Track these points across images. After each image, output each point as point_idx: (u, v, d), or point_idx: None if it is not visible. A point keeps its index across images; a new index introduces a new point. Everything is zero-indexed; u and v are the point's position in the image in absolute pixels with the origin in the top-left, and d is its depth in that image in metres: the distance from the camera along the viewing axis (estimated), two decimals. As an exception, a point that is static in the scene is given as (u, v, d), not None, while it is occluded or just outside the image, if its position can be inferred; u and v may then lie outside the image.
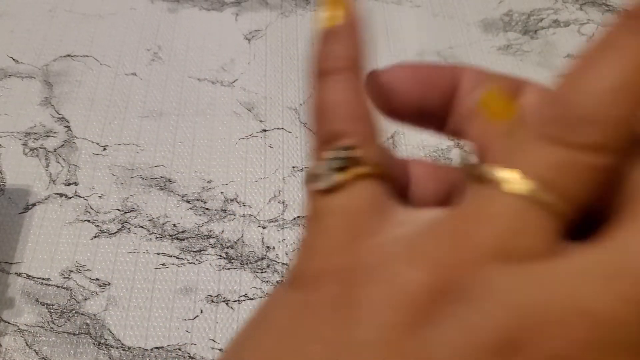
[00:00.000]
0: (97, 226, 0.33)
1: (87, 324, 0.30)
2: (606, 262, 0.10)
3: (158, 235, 0.33)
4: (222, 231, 0.33)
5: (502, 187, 0.10)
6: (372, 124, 0.13)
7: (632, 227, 0.10)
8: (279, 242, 0.33)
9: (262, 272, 0.32)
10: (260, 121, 0.38)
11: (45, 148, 0.36)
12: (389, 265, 0.10)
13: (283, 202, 0.34)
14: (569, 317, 0.09)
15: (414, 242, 0.11)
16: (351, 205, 0.12)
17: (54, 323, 0.30)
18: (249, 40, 0.42)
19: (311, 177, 0.13)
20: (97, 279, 0.31)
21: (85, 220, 0.33)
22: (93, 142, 0.36)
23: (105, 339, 0.30)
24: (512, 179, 0.10)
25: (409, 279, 0.10)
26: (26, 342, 0.30)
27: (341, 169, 0.12)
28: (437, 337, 0.09)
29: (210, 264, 0.32)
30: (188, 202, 0.34)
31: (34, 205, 0.34)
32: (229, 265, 0.32)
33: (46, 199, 0.34)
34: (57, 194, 0.34)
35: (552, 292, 0.10)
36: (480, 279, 0.10)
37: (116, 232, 0.33)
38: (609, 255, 0.10)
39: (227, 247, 0.33)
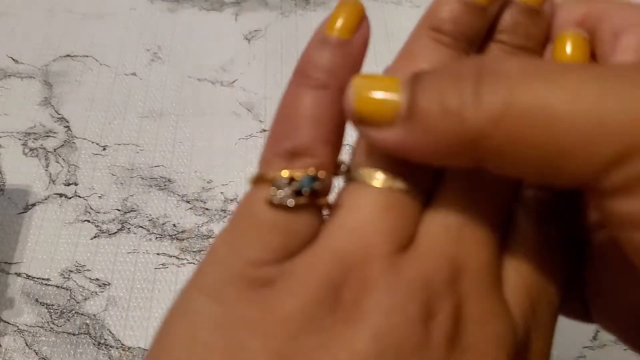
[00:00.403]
0: (97, 226, 0.33)
1: (87, 324, 0.30)
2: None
3: (158, 236, 0.33)
4: (222, 231, 0.33)
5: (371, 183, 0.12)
6: (338, 151, 0.13)
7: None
8: (279, 242, 0.33)
9: (262, 273, 0.32)
10: (260, 121, 0.38)
11: (45, 148, 0.36)
12: (318, 269, 0.11)
13: (283, 203, 0.33)
14: None
15: (329, 246, 0.12)
16: (293, 227, 0.12)
17: (53, 323, 0.30)
18: (248, 40, 0.42)
19: (263, 182, 0.13)
20: (97, 279, 0.31)
21: (85, 221, 0.33)
22: (93, 142, 0.36)
23: (105, 339, 0.30)
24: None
25: (334, 279, 0.11)
26: (26, 342, 0.30)
27: (300, 193, 0.12)
28: (366, 325, 0.11)
29: (210, 264, 0.32)
30: (188, 202, 0.34)
31: (33, 205, 0.34)
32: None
33: (46, 199, 0.34)
34: (57, 194, 0.34)
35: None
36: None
37: (116, 232, 0.33)
38: None
39: (227, 248, 0.33)
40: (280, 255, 0.12)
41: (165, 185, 0.35)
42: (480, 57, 0.11)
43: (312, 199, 0.12)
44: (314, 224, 0.12)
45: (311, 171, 0.12)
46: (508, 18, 0.14)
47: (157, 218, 0.33)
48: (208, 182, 0.35)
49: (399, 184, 0.12)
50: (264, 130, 0.37)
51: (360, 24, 0.14)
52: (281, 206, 0.12)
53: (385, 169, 0.12)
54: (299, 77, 0.14)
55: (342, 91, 0.13)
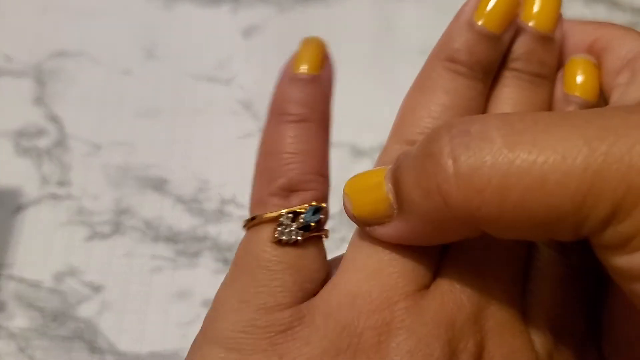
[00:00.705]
0: (91, 228, 0.33)
1: (81, 328, 0.30)
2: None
3: (153, 237, 0.33)
4: (219, 233, 0.33)
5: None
6: (328, 180, 0.14)
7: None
8: (277, 244, 0.32)
9: (259, 275, 0.32)
10: (258, 120, 0.38)
11: (37, 148, 0.36)
12: (337, 314, 0.12)
13: (281, 203, 0.33)
14: None
15: (347, 290, 0.12)
16: (303, 263, 0.12)
17: (47, 327, 0.30)
18: (246, 37, 0.42)
19: (262, 224, 0.13)
20: (91, 282, 0.31)
21: (78, 222, 0.33)
22: (86, 142, 0.36)
23: (99, 344, 0.29)
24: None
25: (358, 325, 0.11)
26: (19, 346, 0.29)
27: (307, 227, 0.12)
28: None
29: (206, 267, 0.32)
30: (184, 203, 0.34)
31: (26, 206, 0.33)
32: (225, 269, 0.32)
33: (38, 200, 0.34)
34: (50, 194, 0.34)
35: None
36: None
37: (110, 234, 0.33)
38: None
39: (224, 250, 0.33)
40: (295, 295, 0.12)
41: (160, 185, 0.35)
42: (454, 123, 0.11)
43: (318, 232, 0.13)
44: (320, 256, 0.13)
45: (313, 203, 0.13)
46: (522, 46, 0.14)
47: (152, 219, 0.33)
48: (204, 182, 0.35)
49: None
50: (262, 129, 0.37)
51: (325, 59, 0.15)
52: (288, 244, 0.12)
53: None
54: (278, 115, 0.14)
55: (322, 123, 0.13)
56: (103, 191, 0.34)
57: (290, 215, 0.12)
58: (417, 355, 0.11)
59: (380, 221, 0.12)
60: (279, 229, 0.12)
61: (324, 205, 0.13)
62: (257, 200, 0.13)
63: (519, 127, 0.10)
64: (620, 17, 0.41)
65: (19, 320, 0.30)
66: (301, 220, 0.12)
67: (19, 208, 0.33)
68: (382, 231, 0.12)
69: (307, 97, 0.14)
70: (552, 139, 0.10)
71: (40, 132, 0.36)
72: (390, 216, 0.12)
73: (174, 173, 0.35)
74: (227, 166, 0.35)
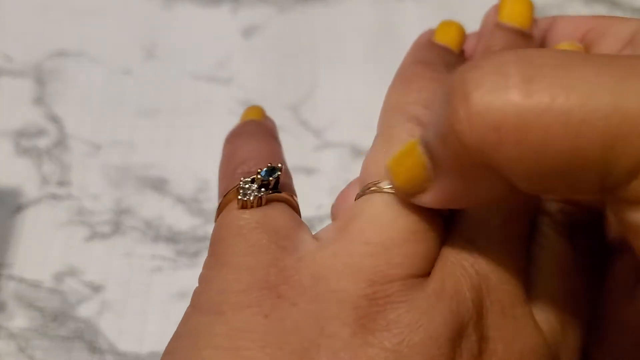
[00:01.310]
0: (91, 228, 0.33)
1: (81, 328, 0.30)
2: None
3: (153, 237, 0.33)
4: (219, 233, 0.33)
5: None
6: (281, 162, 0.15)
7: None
8: (277, 244, 0.32)
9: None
10: None
11: (37, 148, 0.36)
12: (331, 280, 0.11)
13: (281, 203, 0.33)
14: None
15: (348, 260, 0.12)
16: (275, 222, 0.12)
17: (47, 327, 0.30)
18: (246, 37, 0.41)
19: (230, 196, 0.13)
20: (91, 282, 0.31)
21: (78, 222, 0.33)
22: (86, 142, 0.36)
23: (99, 344, 0.29)
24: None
25: (353, 293, 0.11)
26: (19, 346, 0.29)
27: (267, 185, 0.13)
28: (386, 339, 0.10)
29: (206, 267, 0.32)
30: (184, 202, 0.34)
31: (26, 206, 0.33)
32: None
33: (38, 199, 0.34)
34: (50, 194, 0.34)
35: None
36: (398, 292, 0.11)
37: (110, 233, 0.33)
38: None
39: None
40: (273, 253, 0.12)
41: (160, 185, 0.35)
42: (467, 63, 0.11)
43: (280, 190, 0.13)
44: (292, 214, 0.13)
45: (268, 166, 0.13)
46: (501, 42, 0.15)
47: (152, 219, 0.33)
48: (204, 182, 0.35)
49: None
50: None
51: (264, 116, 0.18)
52: (253, 205, 0.13)
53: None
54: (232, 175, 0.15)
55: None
56: (103, 191, 0.34)
57: (248, 179, 0.13)
58: (419, 330, 0.10)
59: (421, 188, 0.11)
60: (241, 192, 0.13)
61: (279, 165, 0.14)
62: (220, 192, 0.14)
63: (538, 62, 0.09)
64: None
65: (19, 320, 0.30)
66: (259, 178, 0.13)
67: (18, 208, 0.33)
68: (425, 199, 0.12)
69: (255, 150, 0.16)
70: (575, 76, 0.09)
71: (40, 132, 0.36)
72: (430, 180, 0.11)
73: (174, 173, 0.35)
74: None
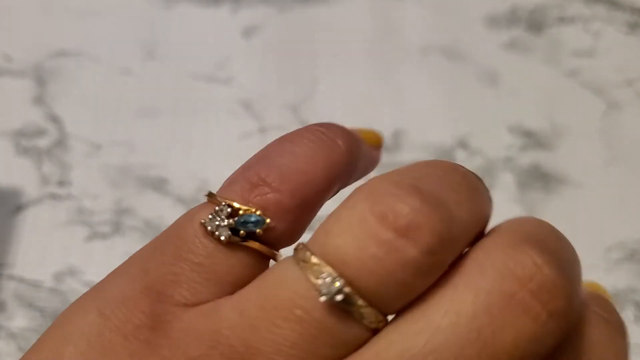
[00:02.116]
0: (91, 227, 0.33)
1: None
2: None
3: (153, 237, 0.33)
4: (219, 233, 0.33)
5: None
6: (306, 214, 0.12)
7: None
8: (277, 244, 0.32)
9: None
10: (258, 120, 0.38)
11: (37, 147, 0.36)
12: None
13: (281, 203, 0.33)
14: None
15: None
16: (219, 267, 0.11)
17: (47, 327, 0.30)
18: (246, 37, 0.41)
19: (209, 202, 0.12)
20: (91, 282, 0.31)
21: (78, 222, 0.33)
22: (86, 142, 0.36)
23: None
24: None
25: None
26: (19, 346, 0.29)
27: (234, 230, 0.11)
28: None
29: (206, 267, 0.32)
30: (184, 202, 0.34)
31: (26, 206, 0.33)
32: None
33: (39, 199, 0.34)
34: (50, 194, 0.34)
35: None
36: None
37: (110, 233, 0.33)
38: None
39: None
40: (191, 294, 0.11)
41: (160, 185, 0.34)
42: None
43: (250, 242, 0.11)
44: (246, 270, 0.11)
45: (259, 212, 0.11)
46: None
47: (152, 219, 0.33)
48: (204, 182, 0.35)
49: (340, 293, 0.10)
50: (262, 129, 0.37)
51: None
52: (212, 236, 0.11)
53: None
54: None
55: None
56: (103, 191, 0.34)
57: (229, 209, 0.11)
58: None
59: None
60: (210, 215, 0.11)
61: (268, 221, 0.11)
62: (228, 180, 0.13)
63: None
64: (620, 17, 0.41)
65: (19, 320, 0.30)
66: (232, 221, 0.11)
67: (19, 208, 0.33)
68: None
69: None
70: None
71: (40, 132, 0.36)
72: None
73: (174, 173, 0.35)
74: (227, 166, 0.35)
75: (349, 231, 0.10)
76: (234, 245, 0.11)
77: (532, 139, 0.36)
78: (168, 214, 0.33)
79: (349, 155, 0.12)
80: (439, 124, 0.36)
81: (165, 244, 0.12)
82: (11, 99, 0.38)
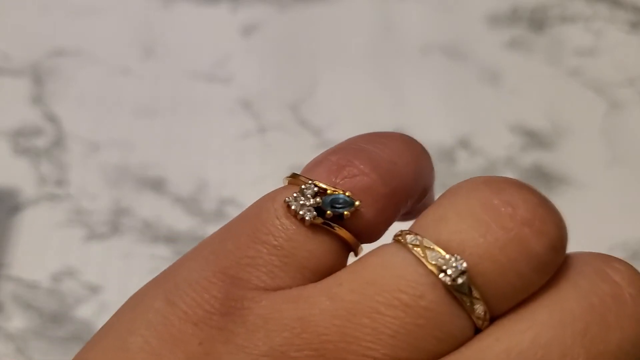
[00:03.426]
0: (89, 228, 0.33)
1: (79, 329, 0.30)
2: None
3: (151, 238, 0.33)
4: (218, 233, 0.33)
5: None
6: (403, 200, 0.11)
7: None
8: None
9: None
10: (257, 119, 0.38)
11: (35, 147, 0.36)
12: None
13: (281, 203, 0.33)
14: None
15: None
16: (301, 250, 0.10)
17: (45, 328, 0.30)
18: (245, 35, 0.41)
19: (292, 183, 0.11)
20: (89, 283, 0.31)
21: (76, 222, 0.33)
22: (85, 141, 0.36)
23: (98, 345, 0.29)
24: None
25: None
26: (17, 347, 0.29)
27: (320, 211, 0.10)
28: None
29: (205, 268, 0.32)
30: (182, 202, 0.34)
31: (23, 206, 0.33)
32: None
33: (36, 199, 0.34)
34: (48, 194, 0.34)
35: None
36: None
37: (108, 234, 0.33)
38: None
39: (223, 250, 0.33)
40: (268, 279, 0.10)
41: (159, 185, 0.34)
42: None
43: (335, 226, 0.10)
44: (327, 255, 0.10)
45: (348, 193, 0.10)
46: None
47: (150, 219, 0.33)
48: (203, 182, 0.35)
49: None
50: (262, 129, 0.37)
51: None
52: (296, 217, 0.10)
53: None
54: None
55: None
56: (101, 191, 0.34)
57: (315, 188, 0.10)
58: None
59: None
60: (295, 194, 0.10)
61: (357, 203, 0.10)
62: (311, 163, 0.11)
63: None
64: (622, 16, 0.41)
65: (17, 321, 0.30)
66: (319, 200, 0.10)
67: (16, 208, 0.33)
68: None
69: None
70: None
71: (38, 132, 0.36)
72: None
73: (172, 173, 0.35)
74: (226, 166, 0.35)
75: (471, 215, 0.09)
76: (317, 229, 0.10)
77: (534, 138, 0.36)
78: (167, 214, 0.33)
79: (431, 166, 0.12)
80: (439, 123, 0.36)
81: (241, 226, 0.11)
82: (8, 98, 0.38)
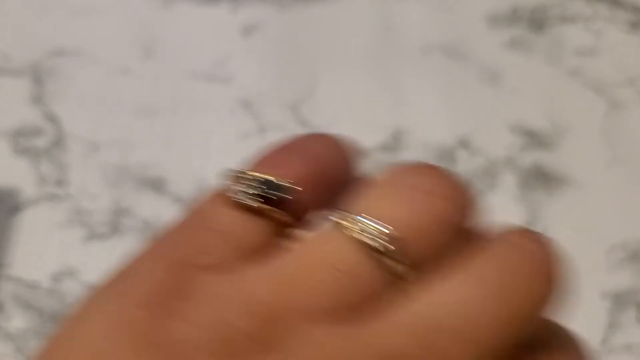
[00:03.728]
0: (89, 228, 0.33)
1: None
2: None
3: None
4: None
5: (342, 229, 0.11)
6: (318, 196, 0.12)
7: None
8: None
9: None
10: (257, 119, 0.38)
11: (35, 147, 0.36)
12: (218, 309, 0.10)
13: (281, 203, 0.33)
14: None
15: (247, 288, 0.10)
16: (243, 231, 0.11)
17: (45, 328, 0.30)
18: (245, 35, 0.41)
19: (230, 177, 0.12)
20: (89, 283, 0.31)
21: (76, 222, 0.33)
22: (85, 141, 0.36)
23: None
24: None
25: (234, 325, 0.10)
26: (17, 347, 0.29)
27: (258, 195, 0.11)
28: None
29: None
30: (182, 202, 0.34)
31: (23, 206, 0.33)
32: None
33: (36, 199, 0.34)
34: (48, 194, 0.34)
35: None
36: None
37: (108, 234, 0.33)
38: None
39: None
40: (213, 260, 0.11)
41: (159, 185, 0.34)
42: None
43: (270, 208, 0.11)
44: (264, 233, 0.11)
45: (282, 180, 0.11)
46: None
47: (151, 219, 0.33)
48: (204, 182, 0.35)
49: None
50: (262, 129, 0.37)
51: None
52: (238, 203, 0.11)
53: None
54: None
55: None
56: (101, 191, 0.34)
57: (252, 176, 0.12)
58: None
59: None
60: (233, 184, 0.12)
61: (292, 187, 0.11)
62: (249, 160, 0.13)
63: None
64: (621, 16, 0.41)
65: (17, 320, 0.30)
66: (255, 185, 0.11)
67: (16, 208, 0.33)
68: None
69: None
70: None
71: (38, 132, 0.36)
72: None
73: (172, 172, 0.35)
74: (226, 165, 0.35)
75: (391, 192, 0.11)
76: (257, 212, 0.11)
77: (534, 138, 0.36)
78: (167, 213, 0.33)
79: (352, 159, 0.14)
80: (439, 123, 0.36)
81: (188, 218, 0.12)
82: (9, 98, 0.38)
